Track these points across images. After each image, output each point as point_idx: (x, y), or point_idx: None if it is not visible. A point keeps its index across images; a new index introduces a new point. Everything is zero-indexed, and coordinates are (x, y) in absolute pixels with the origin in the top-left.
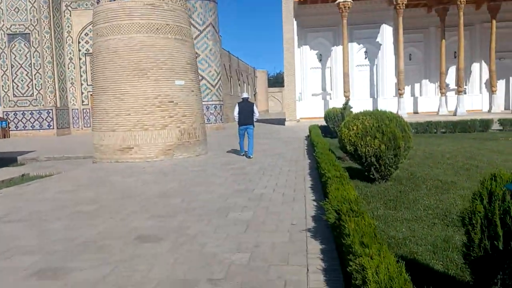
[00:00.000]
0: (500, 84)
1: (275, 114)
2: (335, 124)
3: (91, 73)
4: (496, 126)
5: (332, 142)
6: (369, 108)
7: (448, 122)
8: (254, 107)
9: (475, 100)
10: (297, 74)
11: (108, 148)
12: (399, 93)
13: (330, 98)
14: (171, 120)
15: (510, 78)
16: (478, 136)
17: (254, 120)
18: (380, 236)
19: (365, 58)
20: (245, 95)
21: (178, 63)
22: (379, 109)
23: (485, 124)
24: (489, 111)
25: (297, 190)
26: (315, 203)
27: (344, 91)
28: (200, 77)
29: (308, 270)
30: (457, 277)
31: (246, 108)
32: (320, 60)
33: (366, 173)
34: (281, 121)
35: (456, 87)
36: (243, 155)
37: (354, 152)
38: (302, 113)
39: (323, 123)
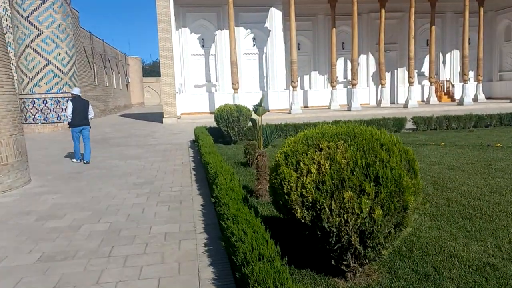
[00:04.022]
0: (386, 77)
1: (152, 107)
2: (229, 127)
3: None
4: (409, 125)
5: (227, 151)
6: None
7: (360, 122)
8: (90, 105)
9: (364, 93)
10: (176, 62)
11: None
12: (293, 86)
13: (216, 91)
14: None
15: (395, 71)
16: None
17: (90, 118)
18: None
19: (253, 45)
20: (76, 90)
21: None
22: (269, 104)
23: (398, 123)
24: (379, 105)
25: None
26: None
27: (232, 83)
28: (45, 61)
29: None
30: None
31: (81, 106)
32: (203, 46)
33: (334, 262)
34: (158, 117)
35: (344, 80)
36: (79, 161)
37: (312, 222)
38: (184, 108)
39: (209, 119)
